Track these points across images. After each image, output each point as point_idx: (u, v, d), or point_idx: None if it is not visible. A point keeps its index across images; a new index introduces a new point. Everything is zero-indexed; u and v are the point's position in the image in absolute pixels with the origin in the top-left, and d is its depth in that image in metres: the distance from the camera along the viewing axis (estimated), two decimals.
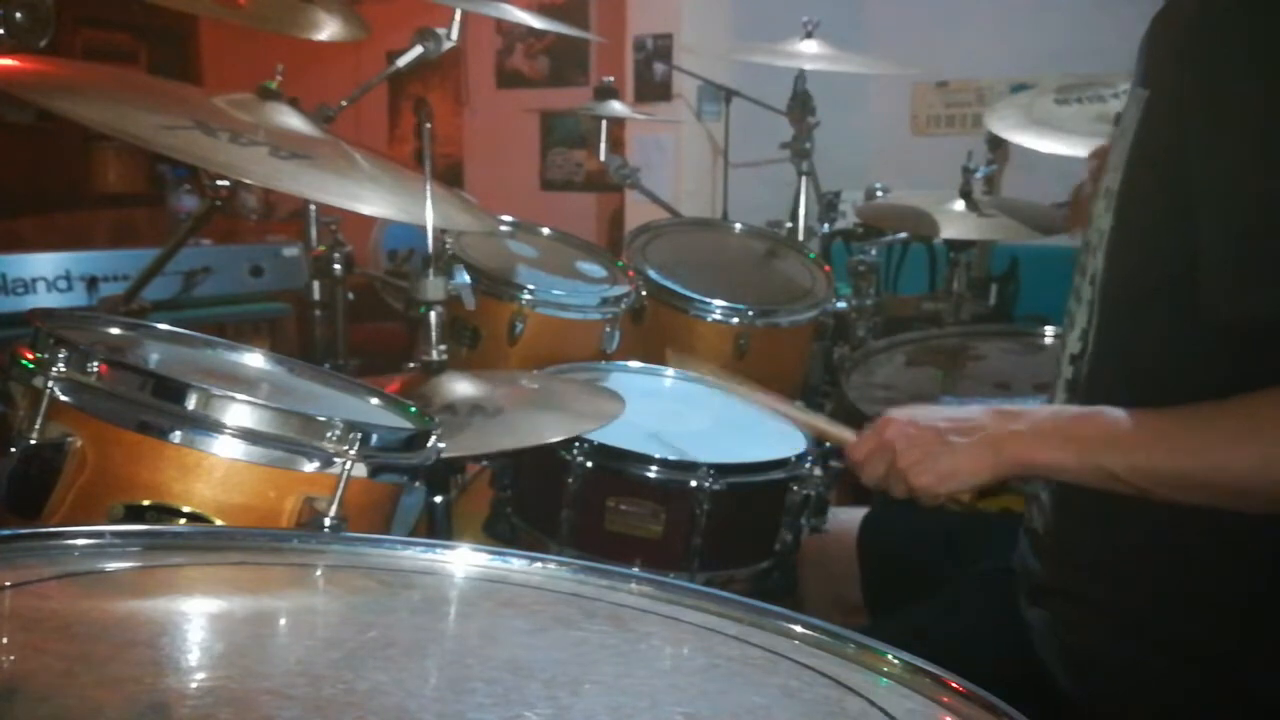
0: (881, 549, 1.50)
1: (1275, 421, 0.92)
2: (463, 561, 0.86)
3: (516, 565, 0.87)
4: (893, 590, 1.44)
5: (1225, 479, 0.95)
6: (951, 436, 1.07)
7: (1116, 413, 1.01)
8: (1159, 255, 1.02)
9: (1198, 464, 0.96)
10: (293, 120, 1.45)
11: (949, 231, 2.53)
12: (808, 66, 2.74)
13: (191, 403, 1.01)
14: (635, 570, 0.93)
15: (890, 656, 0.73)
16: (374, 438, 1.06)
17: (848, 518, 1.59)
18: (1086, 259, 1.13)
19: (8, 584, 0.67)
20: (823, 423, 1.39)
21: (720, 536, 1.62)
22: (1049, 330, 2.16)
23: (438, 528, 1.53)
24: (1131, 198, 1.05)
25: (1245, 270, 0.93)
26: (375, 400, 1.30)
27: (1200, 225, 0.95)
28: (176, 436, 1.01)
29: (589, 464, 1.60)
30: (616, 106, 2.76)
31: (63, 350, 1.02)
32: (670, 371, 2.00)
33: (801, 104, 2.76)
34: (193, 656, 0.65)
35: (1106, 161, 1.12)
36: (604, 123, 2.68)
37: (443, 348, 1.51)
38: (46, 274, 2.60)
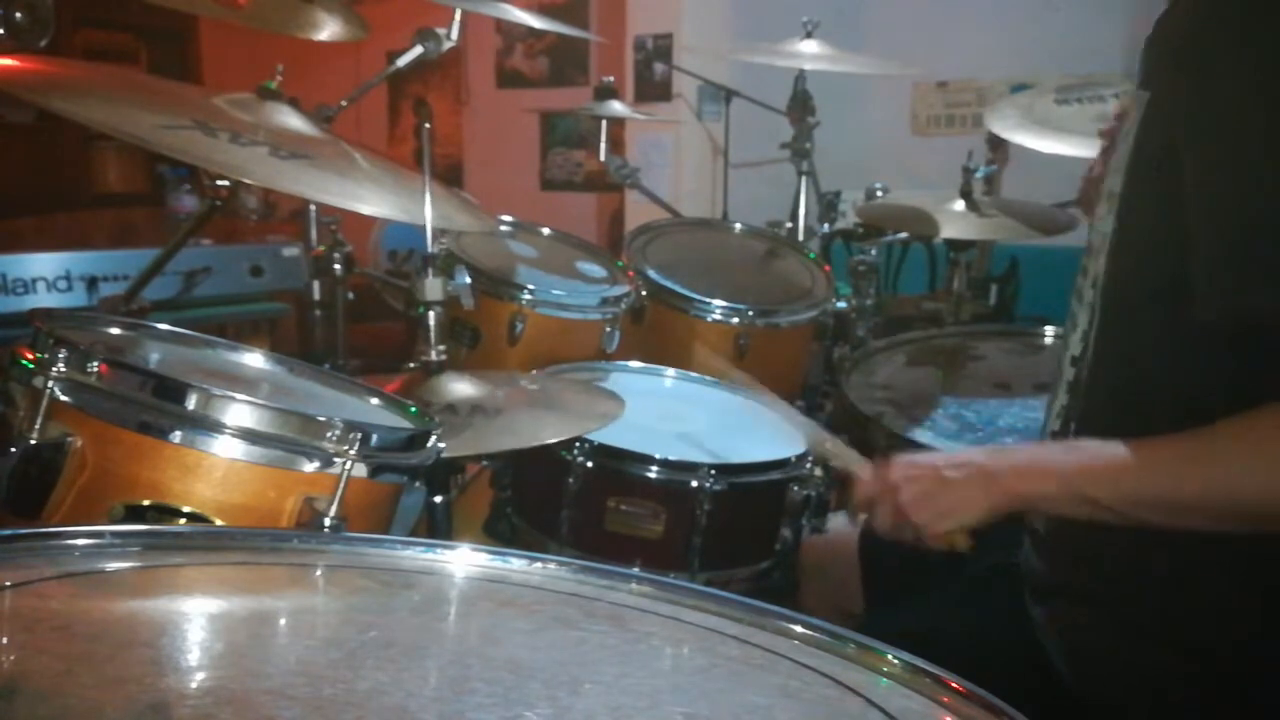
0: (883, 557, 1.49)
1: (1258, 439, 0.93)
2: (463, 561, 0.86)
3: (516, 565, 0.87)
4: (895, 598, 1.44)
5: (1213, 500, 0.95)
6: (947, 472, 1.10)
7: (1101, 444, 1.02)
8: (1158, 258, 1.03)
9: (1182, 486, 0.96)
10: (293, 120, 1.45)
11: (949, 231, 2.53)
12: (808, 66, 2.74)
13: (191, 403, 1.01)
14: (635, 570, 0.93)
15: (890, 656, 0.73)
16: (374, 438, 1.06)
17: (848, 526, 1.58)
18: (1089, 261, 1.13)
19: (8, 584, 0.67)
20: (834, 446, 1.37)
21: (720, 536, 1.62)
22: (1049, 330, 2.15)
23: (438, 528, 1.53)
24: (1132, 200, 1.06)
25: (1238, 270, 0.93)
26: (375, 400, 1.30)
27: (1194, 225, 0.95)
28: (176, 436, 1.01)
29: (589, 464, 1.60)
30: (616, 106, 2.76)
31: (63, 350, 1.02)
32: (670, 371, 2.00)
33: (801, 104, 2.76)
34: (193, 656, 0.65)
35: (1109, 164, 1.12)
36: (604, 123, 2.68)
37: (442, 348, 1.51)
38: (46, 274, 2.60)
